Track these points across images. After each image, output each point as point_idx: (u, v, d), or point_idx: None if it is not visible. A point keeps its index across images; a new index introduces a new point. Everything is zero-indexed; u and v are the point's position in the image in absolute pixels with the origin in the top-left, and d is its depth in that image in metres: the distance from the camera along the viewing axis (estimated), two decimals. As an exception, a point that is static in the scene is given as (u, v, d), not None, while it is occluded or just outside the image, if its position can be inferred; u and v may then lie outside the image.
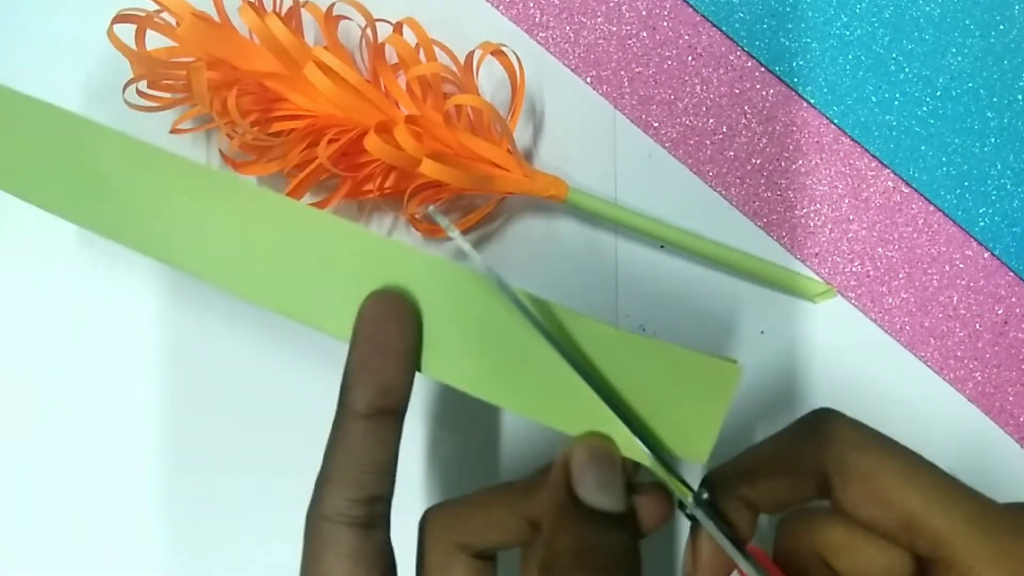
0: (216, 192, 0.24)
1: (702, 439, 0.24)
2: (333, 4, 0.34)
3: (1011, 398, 0.35)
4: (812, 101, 0.36)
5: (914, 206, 0.35)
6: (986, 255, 0.35)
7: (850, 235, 0.35)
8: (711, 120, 0.36)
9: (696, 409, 0.24)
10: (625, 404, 0.24)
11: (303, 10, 0.34)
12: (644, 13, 0.37)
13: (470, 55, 0.33)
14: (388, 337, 0.24)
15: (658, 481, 0.24)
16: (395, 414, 0.24)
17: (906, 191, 0.35)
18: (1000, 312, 0.35)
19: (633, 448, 0.24)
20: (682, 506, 0.24)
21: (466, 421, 0.37)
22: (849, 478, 0.22)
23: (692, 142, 0.36)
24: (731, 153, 0.36)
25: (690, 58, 0.36)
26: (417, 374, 0.25)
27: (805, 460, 0.23)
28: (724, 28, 0.36)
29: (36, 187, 0.25)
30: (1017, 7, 0.35)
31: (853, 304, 0.35)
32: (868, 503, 0.22)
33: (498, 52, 0.34)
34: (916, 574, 0.24)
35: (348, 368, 0.24)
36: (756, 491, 0.24)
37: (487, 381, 0.24)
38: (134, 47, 0.33)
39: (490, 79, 0.37)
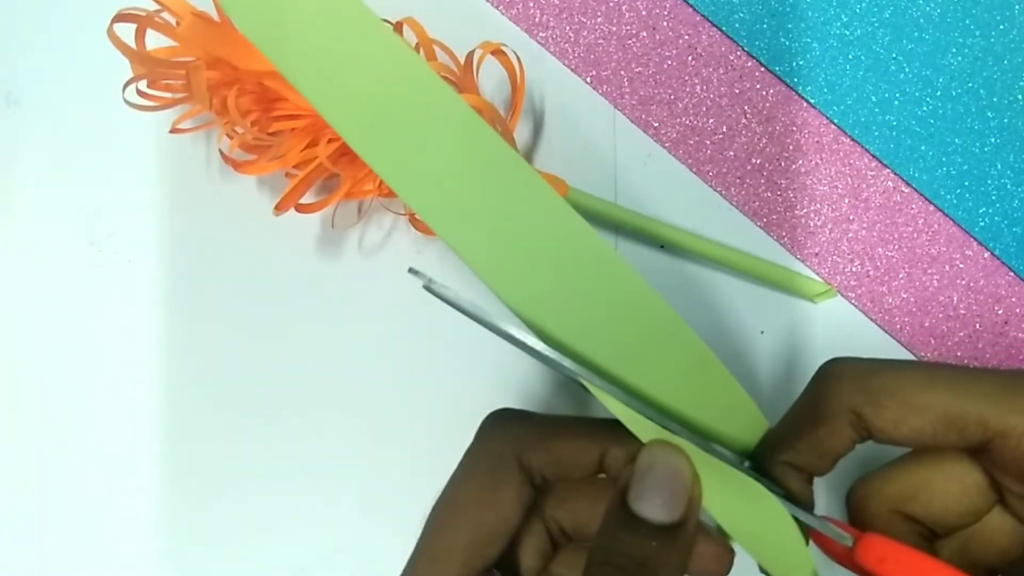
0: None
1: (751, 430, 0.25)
2: (333, 4, 0.34)
3: (1011, 398, 0.35)
4: (812, 101, 0.36)
5: (914, 206, 0.35)
6: (986, 255, 0.35)
7: (850, 235, 0.35)
8: (711, 120, 0.36)
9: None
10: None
11: (303, 10, 0.34)
12: (644, 13, 0.37)
13: (470, 55, 0.33)
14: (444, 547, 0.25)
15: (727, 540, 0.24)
16: None
17: (906, 191, 0.35)
18: (1000, 312, 0.35)
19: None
20: None
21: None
22: (879, 400, 0.23)
23: (692, 142, 0.36)
24: (731, 153, 0.36)
25: (690, 58, 0.36)
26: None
27: (829, 404, 0.23)
28: (724, 28, 0.36)
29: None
30: (1017, 7, 0.35)
31: (853, 304, 0.35)
32: (906, 416, 0.22)
33: (498, 52, 0.34)
34: (990, 487, 0.24)
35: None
36: (794, 451, 0.24)
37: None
38: (134, 46, 0.33)
39: (490, 79, 0.37)
